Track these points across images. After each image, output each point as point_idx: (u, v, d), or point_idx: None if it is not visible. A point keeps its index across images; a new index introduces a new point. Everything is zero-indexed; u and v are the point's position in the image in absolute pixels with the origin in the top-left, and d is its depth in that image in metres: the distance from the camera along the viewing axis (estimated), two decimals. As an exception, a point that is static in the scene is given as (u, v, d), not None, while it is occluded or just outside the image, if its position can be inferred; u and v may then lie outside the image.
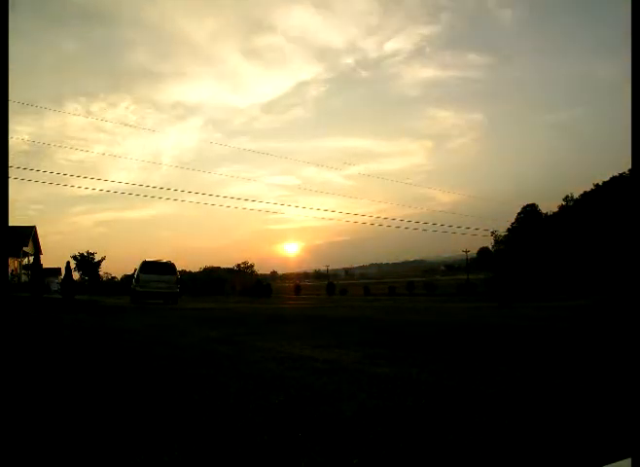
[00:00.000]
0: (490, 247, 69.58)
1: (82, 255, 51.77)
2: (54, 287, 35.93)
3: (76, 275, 44.67)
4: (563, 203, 64.33)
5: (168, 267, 20.80)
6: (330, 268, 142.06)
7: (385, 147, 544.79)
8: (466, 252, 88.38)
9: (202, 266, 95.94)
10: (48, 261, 47.69)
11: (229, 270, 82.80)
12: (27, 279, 30.31)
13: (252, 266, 73.84)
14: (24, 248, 38.48)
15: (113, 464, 1.96)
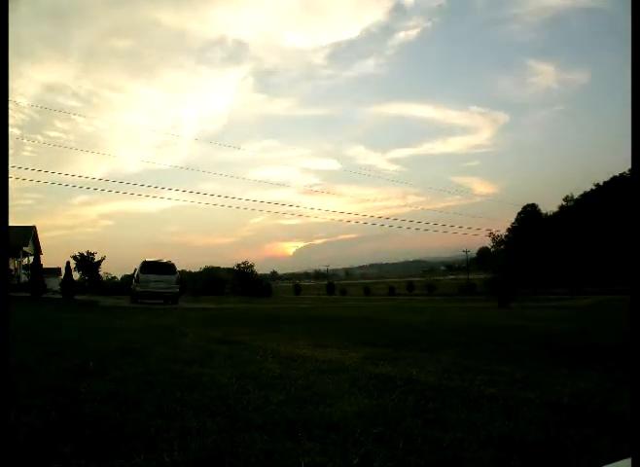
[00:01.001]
0: (490, 247, 69.66)
1: (82, 255, 51.74)
2: (55, 287, 35.92)
3: (76, 275, 44.60)
4: (563, 203, 64.39)
5: (168, 267, 20.79)
6: (330, 267, 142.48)
7: (450, 118, 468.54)
8: (466, 252, 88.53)
9: (202, 266, 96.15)
10: (48, 261, 47.71)
11: (229, 270, 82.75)
12: (27, 279, 30.27)
13: (252, 265, 73.72)
14: (24, 248, 38.42)
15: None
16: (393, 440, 2.25)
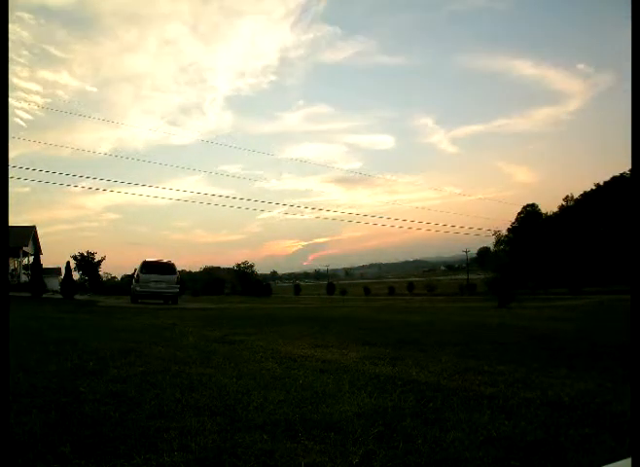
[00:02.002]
0: (491, 247, 69.75)
1: (82, 255, 51.90)
2: (54, 287, 35.95)
3: (76, 275, 44.63)
4: (563, 203, 64.45)
5: (168, 267, 20.83)
6: (330, 268, 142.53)
7: (545, 81, 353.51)
8: (466, 252, 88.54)
9: (202, 265, 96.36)
10: (48, 260, 47.66)
11: (229, 270, 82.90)
12: (27, 279, 30.32)
13: (252, 265, 73.88)
14: (24, 248, 38.45)
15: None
16: (393, 440, 2.25)
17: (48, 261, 44.94)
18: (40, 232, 43.24)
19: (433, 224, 43.21)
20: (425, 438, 2.28)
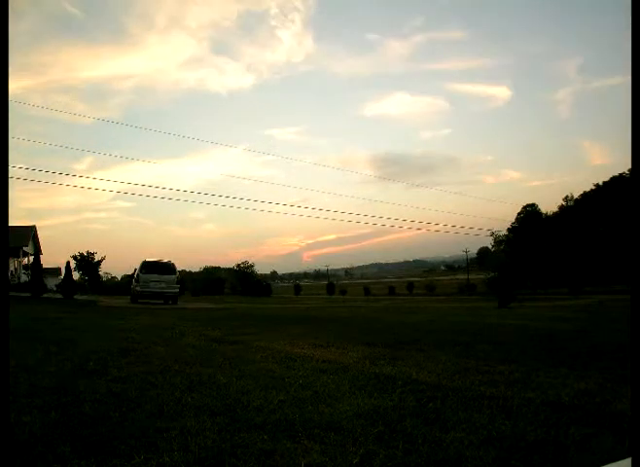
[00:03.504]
0: (490, 247, 69.82)
1: (82, 255, 52.01)
2: (54, 287, 35.95)
3: (76, 275, 44.61)
4: (563, 203, 64.46)
5: (168, 267, 20.85)
6: (330, 267, 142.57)
7: None
8: (466, 252, 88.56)
9: (202, 266, 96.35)
10: (47, 260, 47.57)
11: (229, 271, 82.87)
12: (27, 279, 30.35)
13: (252, 265, 73.83)
14: (24, 248, 38.47)
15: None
16: (393, 440, 2.25)
17: (48, 261, 44.95)
18: (39, 225, 43.19)
19: (433, 224, 43.15)
20: (425, 438, 2.27)
